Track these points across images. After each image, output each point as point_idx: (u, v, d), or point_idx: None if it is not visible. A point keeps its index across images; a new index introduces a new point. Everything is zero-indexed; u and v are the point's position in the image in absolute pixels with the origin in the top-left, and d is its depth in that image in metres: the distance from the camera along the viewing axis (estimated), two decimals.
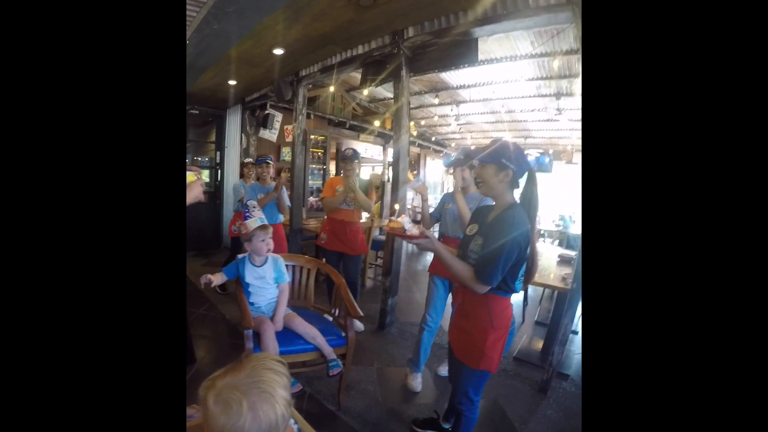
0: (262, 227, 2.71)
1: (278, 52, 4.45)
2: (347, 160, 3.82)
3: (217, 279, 2.64)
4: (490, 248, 1.73)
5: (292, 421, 1.17)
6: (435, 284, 3.13)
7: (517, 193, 1.86)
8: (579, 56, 3.49)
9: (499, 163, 1.77)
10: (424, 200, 2.96)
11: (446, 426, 2.52)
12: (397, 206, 2.15)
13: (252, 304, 2.72)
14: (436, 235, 2.45)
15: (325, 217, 4.19)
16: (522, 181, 1.84)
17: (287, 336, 2.57)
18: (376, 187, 8.37)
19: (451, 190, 2.93)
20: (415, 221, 1.84)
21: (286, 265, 2.98)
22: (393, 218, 1.90)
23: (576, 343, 4.20)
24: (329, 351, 2.56)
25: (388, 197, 8.16)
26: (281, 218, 4.37)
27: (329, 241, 3.94)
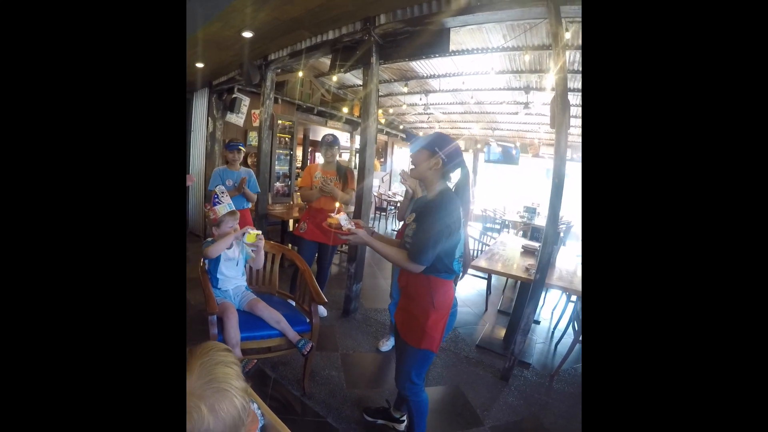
0: (231, 213, 2.77)
1: (247, 35, 4.37)
2: (327, 146, 3.83)
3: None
4: (421, 229, 1.83)
5: (255, 406, 1.16)
6: None
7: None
8: (551, 51, 3.53)
9: (431, 150, 1.89)
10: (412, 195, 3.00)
11: (397, 415, 2.55)
12: (337, 204, 2.25)
13: (219, 289, 2.71)
14: None
15: (292, 202, 4.11)
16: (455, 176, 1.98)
17: (251, 322, 2.56)
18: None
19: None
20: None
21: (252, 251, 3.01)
22: (332, 215, 2.01)
23: (537, 332, 4.31)
24: (294, 334, 2.57)
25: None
26: (249, 204, 4.32)
27: (309, 231, 3.87)
